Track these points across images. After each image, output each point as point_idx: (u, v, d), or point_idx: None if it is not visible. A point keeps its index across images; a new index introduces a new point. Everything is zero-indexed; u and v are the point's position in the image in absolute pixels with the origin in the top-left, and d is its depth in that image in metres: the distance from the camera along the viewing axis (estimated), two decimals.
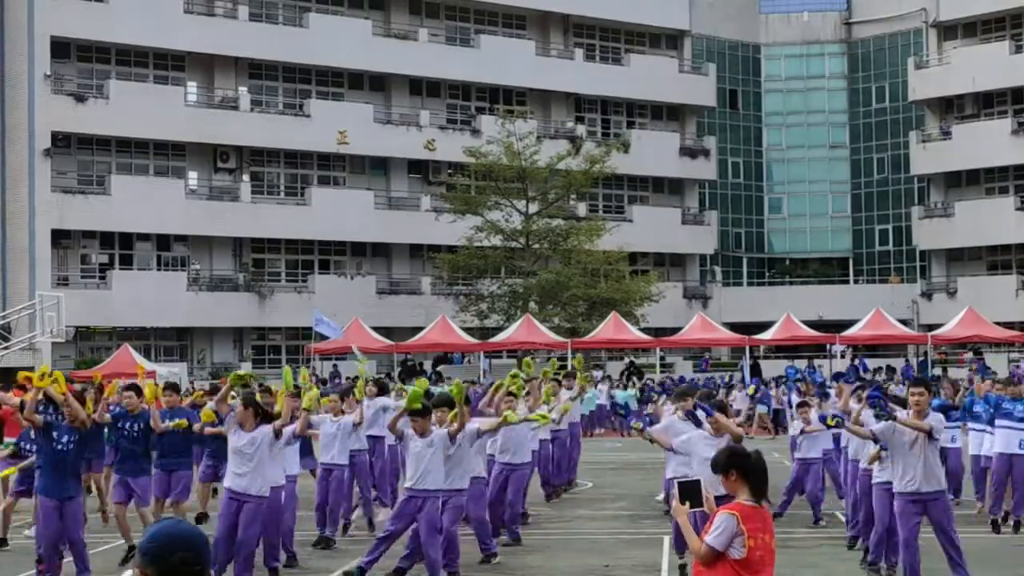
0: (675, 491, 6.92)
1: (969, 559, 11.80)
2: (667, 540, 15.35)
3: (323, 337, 41.03)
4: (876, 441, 12.00)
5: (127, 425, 14.80)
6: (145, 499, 14.74)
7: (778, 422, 35.97)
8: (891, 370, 44.57)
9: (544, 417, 14.61)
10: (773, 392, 35.93)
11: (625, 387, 40.50)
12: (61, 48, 44.35)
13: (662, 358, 47.07)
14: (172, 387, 16.69)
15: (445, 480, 12.22)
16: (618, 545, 15.35)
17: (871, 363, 46.01)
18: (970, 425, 17.85)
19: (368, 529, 15.85)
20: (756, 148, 62.13)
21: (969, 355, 47.74)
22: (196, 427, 14.83)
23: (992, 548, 14.56)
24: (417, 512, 12.05)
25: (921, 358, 44.98)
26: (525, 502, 16.64)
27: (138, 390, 14.92)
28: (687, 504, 6.81)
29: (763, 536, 6.76)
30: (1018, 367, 38.85)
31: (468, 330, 43.95)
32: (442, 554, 12.22)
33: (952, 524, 11.48)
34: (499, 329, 43.90)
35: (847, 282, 59.76)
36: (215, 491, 16.50)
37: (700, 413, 11.94)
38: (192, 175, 47.94)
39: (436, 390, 22.31)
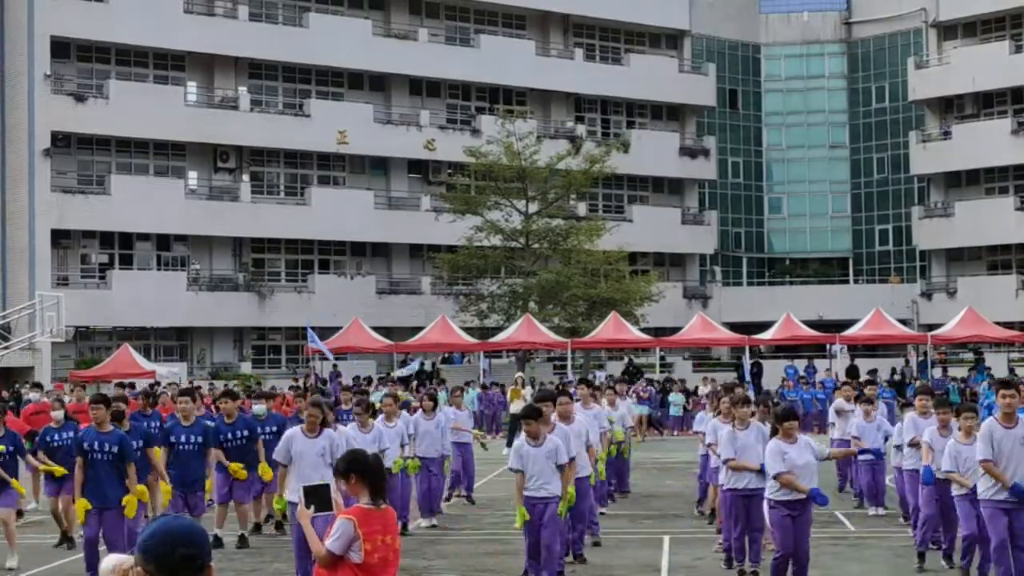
0: (301, 495, 6.90)
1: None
2: (667, 540, 15.37)
3: (324, 338, 41.01)
4: None
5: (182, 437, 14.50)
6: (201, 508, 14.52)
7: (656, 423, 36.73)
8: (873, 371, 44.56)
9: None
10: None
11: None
12: (61, 48, 44.33)
13: (662, 358, 47.06)
14: (230, 394, 16.50)
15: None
16: (618, 545, 15.34)
17: (871, 364, 45.98)
18: None
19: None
20: (756, 148, 62.11)
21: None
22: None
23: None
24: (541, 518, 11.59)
25: (921, 358, 44.97)
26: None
27: (192, 395, 14.82)
28: (312, 508, 6.81)
29: (383, 538, 6.84)
30: None
31: (468, 330, 43.91)
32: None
33: None
34: (499, 329, 43.88)
35: (847, 282, 59.74)
36: None
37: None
38: (192, 175, 47.91)
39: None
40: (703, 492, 17.91)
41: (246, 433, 15.57)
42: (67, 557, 14.35)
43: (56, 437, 16.00)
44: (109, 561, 4.02)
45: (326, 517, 7.22)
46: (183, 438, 14.23)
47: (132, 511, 12.37)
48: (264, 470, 15.31)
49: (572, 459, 11.84)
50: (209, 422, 15.29)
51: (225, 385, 37.83)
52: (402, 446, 15.83)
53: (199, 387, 29.12)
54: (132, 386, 30.05)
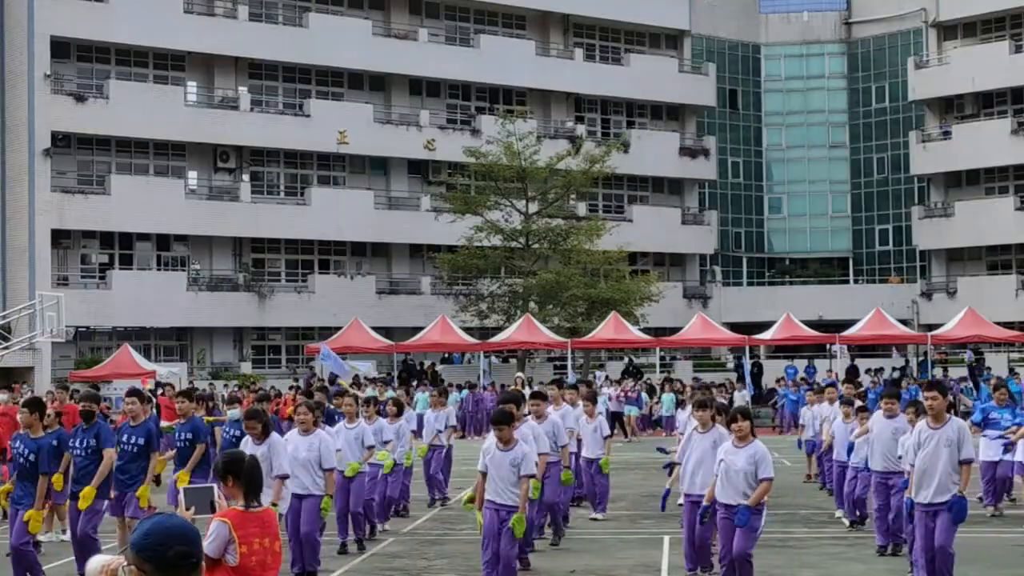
0: (181, 497, 6.83)
1: (971, 558, 11.84)
2: (667, 540, 15.36)
3: (325, 337, 41.00)
4: None
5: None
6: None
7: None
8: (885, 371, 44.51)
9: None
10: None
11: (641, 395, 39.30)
12: (61, 48, 44.33)
13: (662, 358, 47.06)
14: (186, 394, 16.31)
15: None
16: (618, 545, 15.34)
17: (870, 363, 46.00)
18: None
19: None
20: (756, 148, 62.10)
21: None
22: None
23: (993, 547, 14.53)
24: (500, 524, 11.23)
25: (921, 358, 44.97)
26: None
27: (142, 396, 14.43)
28: (191, 510, 6.77)
29: (260, 540, 6.79)
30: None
31: (468, 330, 43.94)
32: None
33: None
34: (499, 329, 43.90)
35: (847, 282, 59.72)
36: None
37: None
38: (192, 175, 47.91)
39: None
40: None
41: (189, 436, 15.25)
42: (57, 561, 14.30)
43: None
44: (97, 561, 4.03)
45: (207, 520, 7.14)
46: (124, 437, 13.83)
47: (35, 527, 12.26)
48: (181, 478, 14.66)
49: (532, 475, 11.48)
50: (152, 424, 14.84)
51: (226, 386, 37.96)
52: (370, 448, 15.41)
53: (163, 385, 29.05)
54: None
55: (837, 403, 18.43)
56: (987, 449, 17.03)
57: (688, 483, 12.47)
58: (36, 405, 12.94)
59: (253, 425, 12.20)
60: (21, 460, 12.37)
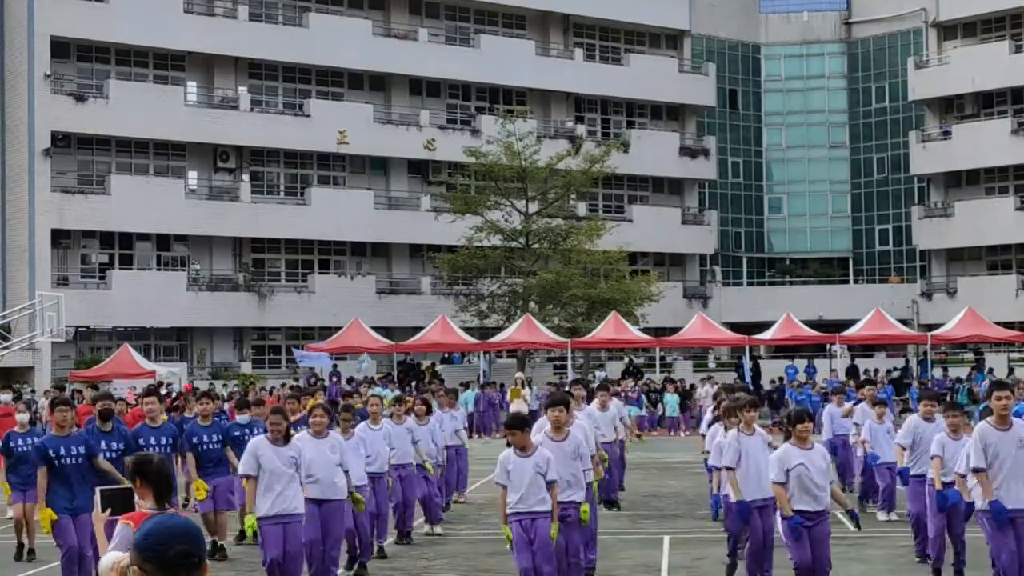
0: (97, 498, 6.66)
1: (971, 559, 11.83)
2: (667, 540, 15.36)
3: (325, 337, 40.98)
4: None
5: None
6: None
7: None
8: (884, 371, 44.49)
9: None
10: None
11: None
12: (61, 48, 44.34)
13: (662, 358, 47.06)
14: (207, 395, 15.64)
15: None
16: (618, 545, 15.33)
17: (870, 364, 45.97)
18: None
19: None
20: (756, 148, 62.11)
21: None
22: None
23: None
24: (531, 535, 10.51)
25: (921, 358, 44.99)
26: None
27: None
28: (108, 512, 6.63)
29: None
30: None
31: (468, 330, 43.93)
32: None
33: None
34: (499, 329, 43.89)
35: (847, 282, 59.75)
36: None
37: None
38: (192, 175, 47.93)
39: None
40: (717, 507, 15.46)
41: (219, 438, 15.00)
42: (47, 563, 14.21)
43: (20, 442, 14.63)
44: (109, 559, 4.03)
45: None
46: (152, 440, 13.47)
47: (45, 526, 11.79)
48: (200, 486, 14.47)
49: (555, 481, 10.68)
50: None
51: (224, 385, 37.95)
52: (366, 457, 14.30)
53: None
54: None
55: (862, 404, 18.19)
56: None
57: (754, 488, 11.76)
58: (69, 403, 12.51)
59: (278, 421, 11.35)
60: (67, 463, 11.75)
